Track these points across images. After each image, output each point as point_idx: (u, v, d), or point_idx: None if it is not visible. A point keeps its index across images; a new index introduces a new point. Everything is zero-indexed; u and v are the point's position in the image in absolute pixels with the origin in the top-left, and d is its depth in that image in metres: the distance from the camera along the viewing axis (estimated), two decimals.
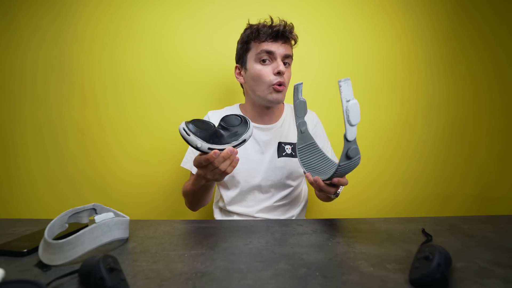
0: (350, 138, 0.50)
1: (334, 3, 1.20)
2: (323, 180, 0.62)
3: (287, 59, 0.83)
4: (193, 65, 1.19)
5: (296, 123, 0.75)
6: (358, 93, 1.23)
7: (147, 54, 1.20)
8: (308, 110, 0.96)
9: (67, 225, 0.57)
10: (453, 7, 1.22)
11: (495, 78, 1.24)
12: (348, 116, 0.48)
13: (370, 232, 0.60)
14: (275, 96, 0.81)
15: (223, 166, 0.58)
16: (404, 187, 1.26)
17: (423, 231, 0.59)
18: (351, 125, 0.49)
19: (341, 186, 0.67)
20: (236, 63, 0.91)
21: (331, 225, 0.65)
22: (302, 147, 0.75)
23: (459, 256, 0.47)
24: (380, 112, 1.24)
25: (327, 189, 0.63)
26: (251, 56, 0.83)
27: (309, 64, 1.21)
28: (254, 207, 0.88)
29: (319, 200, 1.12)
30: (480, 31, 1.23)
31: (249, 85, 0.85)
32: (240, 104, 0.97)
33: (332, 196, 0.78)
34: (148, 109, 1.21)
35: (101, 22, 1.20)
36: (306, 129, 0.75)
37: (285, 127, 0.91)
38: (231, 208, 0.90)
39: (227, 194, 0.90)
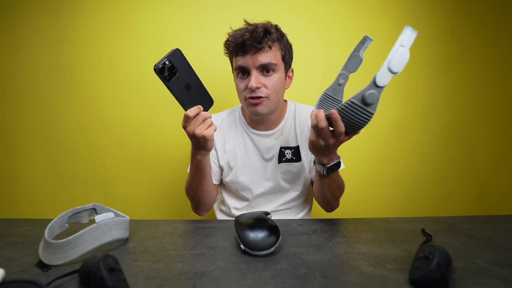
0: (379, 82, 0.45)
1: (337, 3, 1.20)
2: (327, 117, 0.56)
3: (266, 67, 0.75)
4: (195, 65, 1.19)
5: (339, 72, 0.66)
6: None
7: (147, 54, 1.20)
8: (310, 107, 0.92)
9: (67, 225, 0.58)
10: (453, 7, 1.22)
11: (494, 78, 1.25)
12: (391, 59, 0.44)
13: (370, 232, 0.60)
14: (252, 109, 0.78)
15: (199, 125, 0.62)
16: (403, 187, 1.26)
17: (423, 231, 0.59)
18: (389, 70, 0.44)
19: (335, 160, 0.65)
20: None
21: (331, 225, 0.65)
22: (328, 97, 0.68)
23: (459, 256, 0.47)
24: (380, 112, 1.24)
25: (324, 130, 0.58)
26: (234, 72, 0.82)
27: (313, 63, 1.21)
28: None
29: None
30: (479, 31, 1.23)
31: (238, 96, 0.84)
32: (241, 107, 0.93)
33: (323, 171, 0.67)
34: (148, 109, 1.21)
35: (101, 23, 1.20)
36: (344, 84, 0.68)
37: (285, 131, 0.87)
38: (233, 212, 0.90)
39: (231, 202, 0.91)
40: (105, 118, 1.22)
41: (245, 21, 0.78)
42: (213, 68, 1.18)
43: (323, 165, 0.66)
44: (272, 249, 0.49)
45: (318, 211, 1.19)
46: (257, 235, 0.49)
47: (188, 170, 0.79)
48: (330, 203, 0.80)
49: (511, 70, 1.25)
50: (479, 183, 1.28)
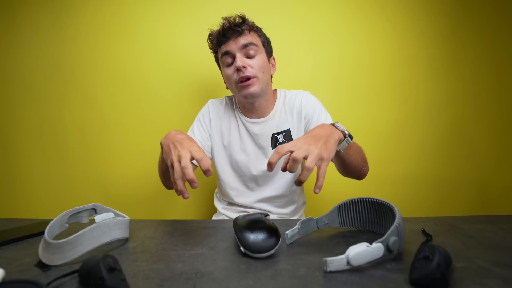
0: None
1: (329, 4, 1.20)
2: None
3: (249, 48, 0.81)
4: (194, 65, 1.19)
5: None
6: (358, 93, 1.23)
7: (147, 54, 1.20)
8: (299, 91, 0.93)
9: (67, 225, 0.58)
10: (453, 6, 1.22)
11: (495, 77, 1.24)
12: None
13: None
14: (244, 91, 0.82)
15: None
16: (404, 187, 1.26)
17: (423, 231, 0.59)
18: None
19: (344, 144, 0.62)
20: None
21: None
22: None
23: (459, 256, 0.47)
24: (380, 112, 1.24)
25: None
26: (221, 63, 0.87)
27: (305, 65, 1.21)
28: (253, 197, 0.91)
29: (317, 199, 1.12)
30: (480, 30, 1.22)
31: (230, 89, 0.89)
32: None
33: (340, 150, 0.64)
34: (148, 109, 1.21)
35: (101, 22, 1.20)
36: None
37: (277, 117, 0.90)
38: (231, 199, 0.93)
39: (225, 183, 0.93)
40: (105, 118, 1.22)
41: (222, 18, 0.84)
42: (215, 70, 1.18)
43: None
44: (273, 251, 0.48)
45: (316, 211, 1.19)
46: (257, 237, 0.48)
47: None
48: (362, 170, 0.79)
49: None
50: (480, 183, 1.28)
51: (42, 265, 0.46)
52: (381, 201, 0.58)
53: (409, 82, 1.23)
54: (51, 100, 1.23)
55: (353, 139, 0.66)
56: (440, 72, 1.24)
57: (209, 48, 0.90)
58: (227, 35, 0.81)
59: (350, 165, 0.72)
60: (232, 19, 0.82)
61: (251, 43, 0.82)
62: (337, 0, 1.20)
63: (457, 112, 1.25)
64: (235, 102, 0.95)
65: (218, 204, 1.00)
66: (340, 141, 0.61)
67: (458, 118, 1.26)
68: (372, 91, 1.23)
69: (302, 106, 0.89)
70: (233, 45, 0.81)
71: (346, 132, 0.62)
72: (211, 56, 1.19)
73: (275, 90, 0.96)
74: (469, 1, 1.22)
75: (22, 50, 1.21)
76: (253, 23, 0.85)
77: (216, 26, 0.86)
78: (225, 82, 0.92)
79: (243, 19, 0.83)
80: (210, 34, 0.87)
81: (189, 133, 0.95)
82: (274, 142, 0.88)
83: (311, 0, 1.20)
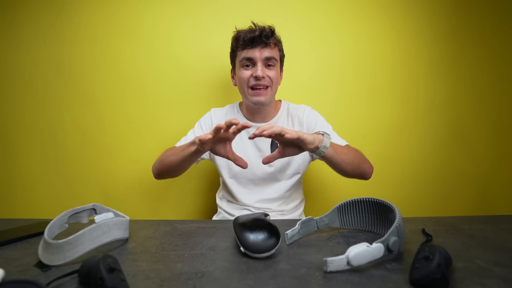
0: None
1: (331, 4, 1.20)
2: None
3: (270, 61, 0.88)
4: (194, 65, 1.19)
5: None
6: (358, 93, 1.23)
7: (147, 54, 1.20)
8: (301, 105, 0.98)
9: (66, 225, 0.58)
10: (453, 6, 1.21)
11: (495, 78, 1.24)
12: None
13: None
14: (255, 98, 0.88)
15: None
16: (403, 187, 1.26)
17: (423, 231, 0.59)
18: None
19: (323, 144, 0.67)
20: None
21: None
22: None
23: (459, 256, 0.47)
24: (380, 112, 1.24)
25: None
26: (237, 62, 0.91)
27: (307, 65, 1.21)
28: (252, 199, 0.94)
29: (317, 199, 1.12)
30: (480, 30, 1.22)
31: (239, 88, 0.93)
32: (239, 102, 1.02)
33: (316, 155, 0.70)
34: (148, 109, 1.21)
35: (101, 23, 1.20)
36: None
37: (279, 124, 0.95)
38: (233, 198, 0.97)
39: (227, 184, 0.96)
40: (104, 118, 1.22)
41: (252, 22, 0.90)
42: (215, 70, 1.18)
43: (317, 149, 0.67)
44: (273, 251, 0.48)
45: (316, 211, 1.19)
46: (257, 237, 0.48)
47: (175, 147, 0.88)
48: (360, 169, 0.81)
49: None
50: (480, 183, 1.28)
51: (42, 265, 0.46)
52: (381, 201, 0.58)
53: (409, 82, 1.23)
54: (50, 100, 1.22)
55: (351, 141, 0.78)
56: (440, 72, 1.24)
57: (231, 44, 0.92)
58: (255, 43, 0.86)
59: (341, 164, 0.75)
60: (262, 28, 0.87)
61: (273, 58, 0.88)
62: (339, 0, 1.20)
63: (457, 112, 1.25)
64: (237, 109, 1.00)
65: (220, 202, 1.02)
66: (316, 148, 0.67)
67: (458, 118, 1.26)
68: (373, 91, 1.23)
69: (304, 118, 0.94)
70: (257, 54, 0.86)
71: (321, 145, 0.67)
72: (210, 56, 1.20)
73: (279, 100, 1.01)
74: (469, 1, 1.21)
75: (21, 50, 1.21)
76: (279, 37, 0.91)
77: (239, 26, 0.91)
78: (232, 78, 0.97)
79: (273, 32, 0.88)
80: (237, 35, 0.90)
81: (189, 132, 0.99)
82: (274, 147, 0.92)
83: (312, 0, 1.20)
